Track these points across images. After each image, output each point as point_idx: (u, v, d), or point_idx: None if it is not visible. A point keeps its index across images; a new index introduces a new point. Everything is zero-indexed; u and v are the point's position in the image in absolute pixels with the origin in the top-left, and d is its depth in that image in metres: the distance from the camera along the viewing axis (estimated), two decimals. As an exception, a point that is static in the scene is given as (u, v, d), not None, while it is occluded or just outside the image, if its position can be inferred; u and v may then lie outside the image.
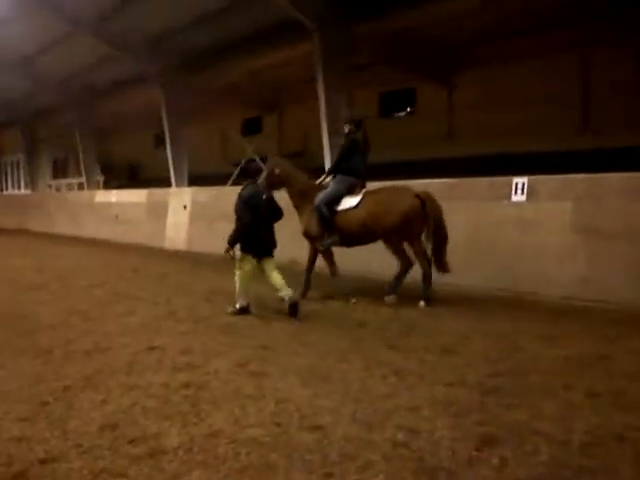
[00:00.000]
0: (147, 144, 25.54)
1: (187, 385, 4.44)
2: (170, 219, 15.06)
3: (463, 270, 8.22)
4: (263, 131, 20.49)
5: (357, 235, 7.53)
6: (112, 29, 15.47)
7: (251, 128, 21.79)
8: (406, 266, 7.49)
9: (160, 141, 21.13)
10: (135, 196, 17.21)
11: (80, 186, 23.01)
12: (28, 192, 26.51)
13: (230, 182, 16.73)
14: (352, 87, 13.30)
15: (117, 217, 17.63)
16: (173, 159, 16.78)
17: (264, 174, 7.59)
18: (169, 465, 3.19)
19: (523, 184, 8.18)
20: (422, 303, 7.25)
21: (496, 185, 8.58)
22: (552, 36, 12.64)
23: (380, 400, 4.11)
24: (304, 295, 7.69)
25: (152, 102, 17.90)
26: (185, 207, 14.52)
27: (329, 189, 7.64)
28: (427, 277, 7.30)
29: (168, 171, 17.11)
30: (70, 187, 24.77)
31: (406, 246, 7.56)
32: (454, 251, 7.56)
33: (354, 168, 7.59)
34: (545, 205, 7.99)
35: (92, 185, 21.48)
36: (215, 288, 8.73)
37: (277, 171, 7.74)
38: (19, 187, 28.51)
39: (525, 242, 8.09)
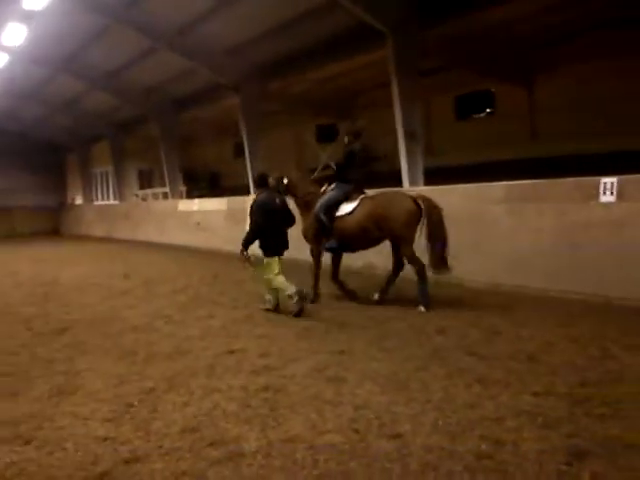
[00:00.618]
0: (227, 153, 26.16)
1: (265, 388, 4.46)
2: (248, 226, 15.30)
3: (548, 273, 7.89)
4: (337, 137, 20.52)
5: (357, 239, 7.76)
6: (191, 42, 15.94)
7: (325, 135, 21.88)
8: (420, 267, 7.40)
9: (239, 150, 21.59)
10: (216, 204, 17.65)
11: (164, 195, 23.81)
12: (116, 202, 27.72)
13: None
14: (427, 91, 13.08)
15: (199, 224, 18.13)
16: (251, 166, 17.08)
17: (273, 182, 8.00)
18: (248, 469, 3.21)
19: (612, 184, 7.75)
20: (422, 308, 7.27)
21: (583, 185, 8.16)
22: (637, 32, 11.98)
23: (463, 409, 3.97)
24: (313, 301, 7.90)
25: (231, 112, 18.31)
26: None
27: (327, 196, 7.97)
28: (422, 277, 7.36)
29: (247, 179, 17.43)
30: (155, 197, 25.69)
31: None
32: (537, 255, 7.25)
33: (352, 177, 7.95)
34: (636, 206, 7.53)
35: (175, 194, 22.17)
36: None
37: (285, 181, 8.28)
38: (108, 197, 29.85)
39: (614, 244, 7.65)
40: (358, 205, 7.70)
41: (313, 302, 7.86)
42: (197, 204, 19.06)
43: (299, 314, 7.05)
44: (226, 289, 9.49)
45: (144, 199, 26.55)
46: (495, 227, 8.92)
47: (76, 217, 31.81)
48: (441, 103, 17.24)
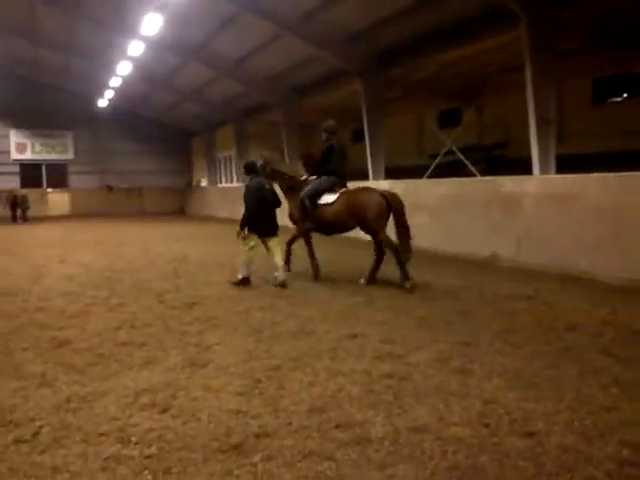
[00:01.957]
0: (345, 139, 26.27)
1: (389, 375, 4.43)
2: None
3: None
4: (461, 122, 19.94)
5: (333, 225, 8.85)
6: (316, 29, 16.09)
7: (448, 120, 21.33)
8: (394, 248, 8.36)
9: (358, 136, 21.56)
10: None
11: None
12: (238, 185, 28.76)
13: (427, 175, 16.54)
14: (562, 74, 12.34)
15: (317, 209, 18.37)
16: (371, 152, 17.01)
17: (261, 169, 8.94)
18: (375, 454, 3.19)
19: None
20: (407, 285, 8.06)
21: None
22: None
23: (600, 412, 3.72)
24: (316, 277, 8.99)
25: (351, 98, 18.32)
26: (381, 199, 14.66)
27: (314, 185, 8.88)
28: (398, 257, 8.27)
29: (365, 164, 17.39)
30: (275, 180, 26.41)
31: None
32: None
33: (334, 170, 8.84)
34: None
35: (295, 178, 22.65)
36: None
37: (260, 162, 9.11)
38: (231, 180, 31.04)
39: None
40: (338, 198, 8.65)
41: (316, 278, 8.96)
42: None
43: (239, 283, 8.37)
44: (345, 272, 9.53)
45: (264, 183, 27.31)
46: (638, 220, 8.19)
47: (201, 198, 33.36)
48: (576, 87, 16.22)
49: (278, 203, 8.75)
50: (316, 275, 8.99)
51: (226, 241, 15.93)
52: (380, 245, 8.64)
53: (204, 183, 34.38)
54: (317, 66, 18.73)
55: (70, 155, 35.13)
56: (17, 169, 34.32)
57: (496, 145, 18.93)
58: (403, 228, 8.44)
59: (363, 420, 3.63)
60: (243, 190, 8.71)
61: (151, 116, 34.53)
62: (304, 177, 9.36)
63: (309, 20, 15.66)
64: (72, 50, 25.31)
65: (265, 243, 8.59)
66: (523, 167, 11.38)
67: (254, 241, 8.51)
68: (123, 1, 18.12)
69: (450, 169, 16.49)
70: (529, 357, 4.88)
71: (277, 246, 8.63)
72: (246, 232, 8.47)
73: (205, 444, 3.33)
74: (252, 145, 28.10)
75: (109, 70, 24.86)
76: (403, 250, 8.34)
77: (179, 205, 35.76)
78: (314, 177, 9.07)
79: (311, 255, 9.20)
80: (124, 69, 22.95)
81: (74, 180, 35.31)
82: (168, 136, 35.97)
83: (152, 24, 16.39)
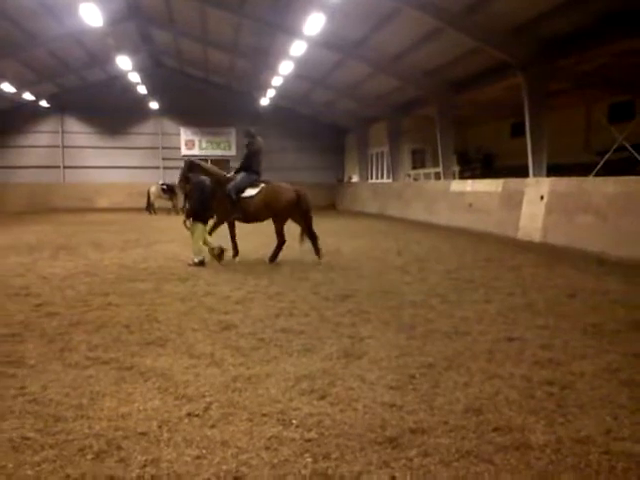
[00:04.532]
0: (503, 134, 25.33)
1: (550, 383, 4.23)
2: (525, 209, 14.67)
3: None
4: (636, 116, 18.35)
5: (254, 214, 10.54)
6: (478, 21, 15.64)
7: (620, 113, 19.73)
8: (281, 243, 10.54)
9: (517, 130, 20.69)
10: (490, 185, 17.25)
11: (437, 176, 24.04)
12: (389, 181, 28.85)
13: (594, 173, 15.47)
14: None
15: (471, 205, 17.93)
16: (532, 148, 16.23)
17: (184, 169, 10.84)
18: (536, 462, 3.08)
19: None
20: (317, 258, 10.47)
21: None
22: None
23: None
24: (235, 256, 10.79)
25: (510, 91, 17.60)
26: (542, 198, 13.95)
27: (238, 181, 10.57)
28: (314, 240, 10.57)
29: (525, 160, 16.64)
30: (427, 177, 26.09)
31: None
32: None
33: (254, 168, 10.73)
34: None
35: (448, 175, 22.22)
36: (575, 285, 8.18)
37: (185, 163, 10.96)
38: (381, 176, 31.20)
39: None
40: (259, 192, 10.45)
41: (234, 257, 10.71)
42: (470, 185, 18.85)
43: (196, 265, 9.91)
44: (501, 274, 9.23)
45: (416, 179, 27.13)
46: None
47: (352, 194, 33.89)
48: None
49: (214, 195, 10.33)
50: (235, 255, 10.72)
51: (377, 236, 16.09)
52: (282, 234, 10.52)
53: (355, 179, 34.87)
54: (476, 60, 18.20)
55: (233, 151, 37.31)
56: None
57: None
58: (308, 220, 10.60)
59: (522, 425, 3.51)
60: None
61: (307, 113, 35.66)
62: (229, 175, 10.93)
63: (472, 13, 15.25)
64: (237, 50, 26.83)
65: (196, 227, 10.01)
66: None
67: (199, 229, 10.01)
68: (287, 1, 18.88)
69: (621, 167, 15.27)
70: None
71: (204, 233, 10.19)
72: (190, 221, 10.03)
73: (361, 434, 3.41)
74: (405, 141, 28.00)
75: (271, 69, 26.01)
76: (302, 237, 10.70)
77: (330, 200, 36.60)
78: (237, 174, 10.77)
79: (233, 238, 10.87)
80: (285, 68, 23.86)
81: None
82: (322, 133, 36.94)
83: (315, 23, 16.85)
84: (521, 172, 16.65)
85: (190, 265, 10.01)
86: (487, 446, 3.25)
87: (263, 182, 10.74)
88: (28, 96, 31.41)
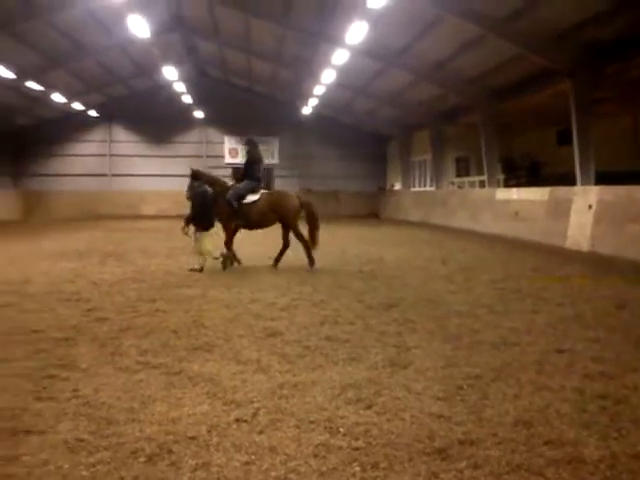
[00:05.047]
0: (549, 141, 24.84)
1: (603, 396, 4.13)
2: (573, 218, 14.36)
3: None
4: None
5: (257, 220, 10.92)
6: (521, 28, 15.46)
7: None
8: (285, 246, 11.05)
9: (563, 138, 20.28)
10: (536, 194, 16.96)
11: (481, 184, 23.76)
12: (432, 189, 28.64)
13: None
14: None
15: (517, 214, 17.66)
16: (579, 156, 15.89)
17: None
18: (590, 477, 3.01)
19: None
20: (309, 268, 10.68)
21: None
22: None
23: None
24: (234, 263, 10.98)
25: (555, 98, 17.30)
26: (590, 207, 13.64)
27: (238, 188, 10.88)
28: (308, 250, 10.83)
29: (572, 168, 16.31)
30: (471, 184, 25.80)
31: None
32: None
33: (255, 176, 11.05)
34: None
35: (492, 183, 21.93)
36: (625, 296, 7.97)
37: (190, 171, 11.23)
38: (424, 184, 30.99)
39: None
40: (260, 198, 10.83)
41: (233, 265, 10.86)
42: (516, 193, 18.57)
43: (196, 271, 10.19)
44: (548, 284, 9.06)
45: (460, 187, 26.85)
46: None
47: (394, 202, 33.77)
48: None
49: (215, 205, 10.67)
50: (226, 265, 10.69)
51: (420, 245, 15.99)
52: (287, 236, 11.01)
53: (397, 187, 34.72)
54: (519, 66, 17.97)
55: (275, 160, 37.64)
56: (229, 172, 37.65)
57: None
58: (314, 226, 10.95)
59: (575, 439, 3.43)
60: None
61: (349, 122, 35.73)
62: (231, 184, 11.26)
63: (516, 19, 15.10)
64: (280, 60, 27.13)
65: (203, 236, 10.39)
66: None
67: (206, 237, 10.40)
68: (329, 11, 19.01)
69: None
70: None
71: (211, 237, 10.66)
72: (189, 228, 10.37)
73: (409, 444, 3.39)
74: (448, 148, 27.77)
75: (314, 78, 26.18)
76: (312, 242, 10.87)
77: (372, 208, 36.52)
78: (237, 183, 11.14)
79: (229, 246, 10.91)
80: (328, 77, 23.98)
81: (278, 183, 37.75)
82: (364, 141, 36.95)
83: (357, 32, 16.90)
84: (568, 180, 16.32)
85: (191, 270, 10.30)
86: (538, 459, 3.19)
87: (264, 189, 11.27)
88: (77, 106, 32.38)
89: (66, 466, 3.13)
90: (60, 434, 3.52)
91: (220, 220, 10.97)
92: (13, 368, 4.78)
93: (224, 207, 10.76)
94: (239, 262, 11.10)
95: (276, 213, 10.81)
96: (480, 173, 23.80)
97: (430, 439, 3.45)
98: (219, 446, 3.36)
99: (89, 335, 5.84)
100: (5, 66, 22.71)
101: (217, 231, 11.00)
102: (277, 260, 10.98)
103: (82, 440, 3.44)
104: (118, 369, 4.77)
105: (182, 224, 10.50)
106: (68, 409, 3.91)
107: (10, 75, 23.50)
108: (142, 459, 3.21)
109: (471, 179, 26.23)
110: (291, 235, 11.06)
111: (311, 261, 10.78)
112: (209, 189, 10.76)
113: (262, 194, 10.97)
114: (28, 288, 8.69)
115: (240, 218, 10.83)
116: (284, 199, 11.03)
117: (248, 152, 11.41)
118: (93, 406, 3.97)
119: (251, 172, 11.10)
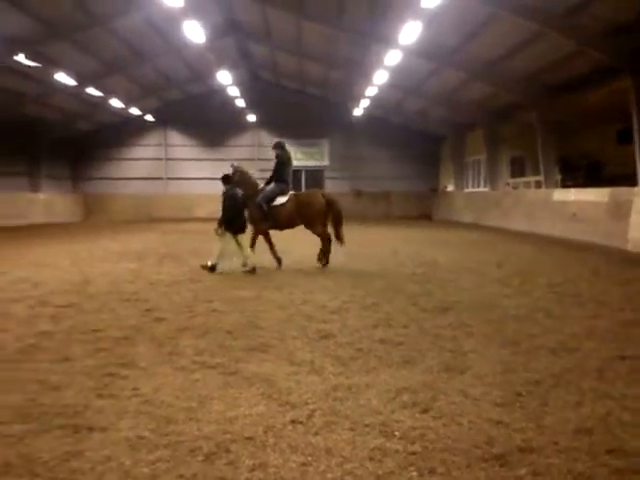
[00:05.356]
0: (609, 140, 24.07)
1: (670, 405, 3.97)
2: (634, 220, 13.88)
3: None
4: None
5: (287, 221, 11.20)
6: (579, 23, 15.05)
7: None
8: (328, 240, 11.16)
9: (623, 136, 19.61)
10: (595, 195, 16.46)
11: (537, 184, 23.21)
12: (486, 190, 28.16)
13: None
14: None
15: (575, 215, 17.18)
16: (640, 155, 15.36)
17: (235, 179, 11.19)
18: (658, 490, 2.90)
19: None
20: (321, 265, 11.12)
21: None
22: None
23: None
24: (280, 265, 11.26)
25: (615, 96, 16.75)
26: (653, 208, 13.16)
27: (267, 191, 11.25)
28: (326, 249, 11.17)
29: (633, 169, 15.76)
30: (527, 185, 25.25)
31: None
32: None
33: (284, 178, 11.32)
34: None
35: (549, 183, 21.40)
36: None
37: (236, 177, 11.25)
38: (478, 185, 30.50)
39: None
40: (288, 200, 11.10)
41: (279, 266, 11.18)
42: (574, 194, 18.06)
43: (209, 269, 10.52)
44: (609, 288, 8.77)
45: (515, 187, 26.31)
46: None
47: (446, 203, 33.37)
48: None
49: (246, 206, 10.93)
50: (279, 263, 11.20)
51: (474, 247, 15.74)
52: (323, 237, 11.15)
53: (450, 188, 34.30)
54: (578, 63, 17.52)
55: (326, 161, 37.77)
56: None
57: None
58: (339, 223, 11.18)
59: (638, 449, 3.31)
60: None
61: (401, 122, 35.53)
62: (261, 187, 11.46)
63: (574, 14, 14.72)
64: (332, 62, 27.21)
65: (236, 239, 10.63)
66: None
67: (228, 237, 10.59)
68: (381, 11, 18.96)
69: None
70: None
71: (245, 241, 10.76)
72: (222, 230, 10.58)
73: (467, 450, 3.34)
74: (503, 148, 27.24)
75: (365, 79, 26.15)
76: (337, 239, 11.14)
77: (423, 210, 36.18)
78: (267, 185, 11.42)
79: (271, 248, 11.34)
80: (380, 78, 23.90)
81: (328, 185, 37.88)
82: (416, 141, 36.65)
83: (410, 32, 16.79)
84: (629, 180, 15.78)
85: (203, 268, 10.62)
86: (601, 469, 3.10)
87: (292, 190, 11.49)
88: (135, 111, 33.32)
89: (127, 463, 3.22)
90: (121, 431, 3.62)
91: (251, 222, 11.23)
92: (75, 366, 4.94)
93: (254, 210, 11.08)
94: (279, 261, 11.31)
95: (301, 214, 11.07)
96: (536, 174, 23.27)
97: (489, 445, 3.40)
98: (275, 447, 3.39)
99: (148, 335, 6.00)
100: (67, 73, 23.59)
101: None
102: (322, 259, 11.22)
103: (142, 437, 3.53)
104: (176, 368, 4.87)
105: (215, 226, 10.77)
106: (129, 407, 4.02)
107: (71, 82, 24.37)
108: (200, 457, 3.27)
109: (527, 179, 25.66)
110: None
111: (326, 260, 11.18)
112: (239, 192, 10.91)
113: (290, 195, 11.23)
114: (88, 288, 8.98)
115: (270, 220, 11.13)
116: (310, 199, 11.26)
117: (277, 155, 11.61)
118: (153, 404, 4.07)
119: (280, 174, 11.36)
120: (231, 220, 10.55)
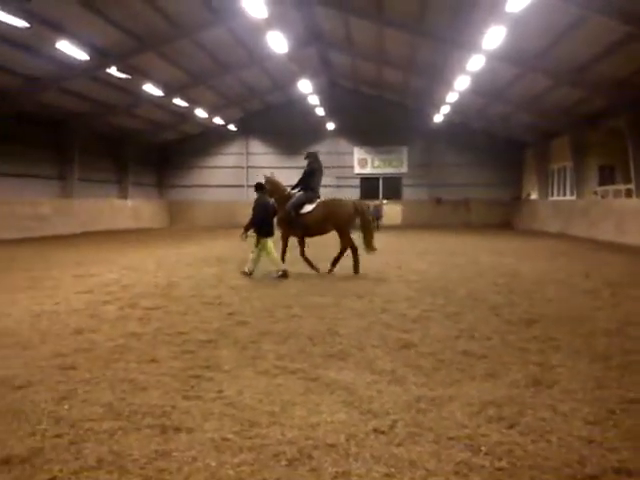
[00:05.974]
0: None
1: None
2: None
3: None
4: None
5: (315, 228, 11.44)
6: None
7: None
8: (354, 249, 11.32)
9: None
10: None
11: (627, 193, 22.11)
12: (572, 198, 27.07)
13: None
14: None
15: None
16: None
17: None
18: None
19: None
20: (354, 272, 11.21)
21: None
22: None
23: None
24: (317, 270, 11.46)
25: None
26: None
27: (295, 199, 11.52)
28: (355, 256, 11.29)
29: None
30: (616, 194, 24.08)
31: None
32: None
33: (312, 186, 11.65)
34: None
35: (641, 192, 20.35)
36: None
37: (268, 186, 11.56)
38: (564, 194, 29.35)
39: None
40: (316, 207, 11.34)
41: (317, 270, 11.44)
42: (669, 203, 17.07)
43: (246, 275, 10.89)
44: None
45: (604, 196, 25.16)
46: None
47: (530, 212, 32.32)
48: None
49: (275, 213, 11.34)
50: (315, 268, 11.44)
51: (560, 257, 15.16)
52: (351, 241, 11.30)
53: (534, 196, 33.19)
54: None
55: (404, 169, 37.48)
56: (358, 182, 38.06)
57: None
58: (368, 230, 11.46)
59: None
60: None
61: (482, 128, 34.80)
62: (292, 193, 11.75)
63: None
64: (412, 68, 27.00)
65: (265, 243, 10.86)
66: None
67: (266, 244, 10.84)
68: (464, 17, 18.64)
69: None
70: None
71: (273, 246, 10.99)
72: (248, 234, 10.93)
73: (557, 468, 3.20)
74: (591, 156, 26.10)
75: (446, 85, 25.79)
76: (367, 247, 11.32)
77: (504, 218, 35.20)
78: (297, 192, 11.67)
79: (302, 253, 11.73)
80: (461, 84, 23.51)
81: (407, 192, 37.58)
82: (497, 148, 35.77)
83: (494, 37, 16.43)
84: None
85: (243, 273, 11.01)
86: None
87: (317, 199, 11.63)
88: (218, 120, 34.25)
89: (213, 464, 3.28)
90: (207, 433, 3.70)
91: (280, 228, 11.65)
92: (161, 367, 5.11)
93: (284, 217, 11.51)
94: (316, 269, 11.51)
95: (329, 221, 11.29)
96: (627, 182, 22.16)
97: (580, 465, 3.24)
98: (358, 456, 3.37)
99: (231, 338, 6.12)
100: (154, 84, 24.59)
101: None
102: (355, 264, 11.36)
103: (227, 440, 3.59)
104: (258, 372, 4.94)
105: (242, 230, 11.17)
106: (214, 409, 4.11)
107: (159, 92, 25.39)
108: (283, 462, 3.30)
109: (617, 187, 24.47)
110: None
111: (356, 267, 11.32)
112: (271, 200, 11.32)
113: (318, 203, 11.46)
114: (174, 291, 9.29)
115: (298, 227, 11.47)
116: (338, 207, 11.45)
117: (309, 164, 11.88)
118: (237, 407, 4.14)
119: (308, 182, 11.67)
120: (261, 226, 10.90)
